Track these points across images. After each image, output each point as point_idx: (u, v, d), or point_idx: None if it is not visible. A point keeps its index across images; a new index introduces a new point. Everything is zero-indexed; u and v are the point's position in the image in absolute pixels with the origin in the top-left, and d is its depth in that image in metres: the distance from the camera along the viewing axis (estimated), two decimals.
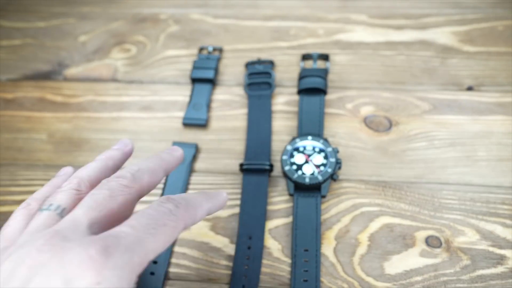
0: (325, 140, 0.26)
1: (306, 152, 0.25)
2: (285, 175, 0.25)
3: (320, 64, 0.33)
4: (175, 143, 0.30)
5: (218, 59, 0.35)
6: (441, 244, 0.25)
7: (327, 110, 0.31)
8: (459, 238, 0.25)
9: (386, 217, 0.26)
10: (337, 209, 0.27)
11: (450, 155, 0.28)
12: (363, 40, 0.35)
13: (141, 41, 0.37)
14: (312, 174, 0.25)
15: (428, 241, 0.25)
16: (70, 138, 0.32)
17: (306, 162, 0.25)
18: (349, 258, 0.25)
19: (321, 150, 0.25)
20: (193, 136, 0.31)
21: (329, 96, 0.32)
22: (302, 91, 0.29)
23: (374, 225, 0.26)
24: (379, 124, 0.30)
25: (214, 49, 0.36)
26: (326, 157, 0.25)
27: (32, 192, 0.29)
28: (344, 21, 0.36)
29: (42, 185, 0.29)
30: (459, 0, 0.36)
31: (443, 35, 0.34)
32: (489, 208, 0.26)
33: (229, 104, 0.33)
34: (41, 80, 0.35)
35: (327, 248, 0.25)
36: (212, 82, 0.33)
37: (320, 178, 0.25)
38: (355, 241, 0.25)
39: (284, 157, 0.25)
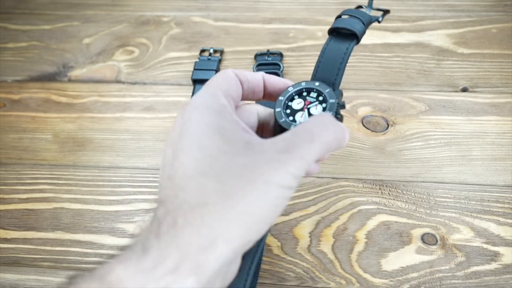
0: (334, 90, 0.20)
1: (308, 98, 0.20)
2: (274, 116, 0.19)
3: (375, 13, 0.23)
4: None
5: (219, 61, 0.35)
6: (436, 241, 0.25)
7: None
8: (454, 235, 0.26)
9: (383, 215, 0.27)
10: (335, 207, 0.27)
11: (446, 155, 0.29)
12: (361, 42, 0.35)
13: (144, 43, 0.38)
14: None
15: (424, 238, 0.26)
16: (74, 138, 0.32)
17: (302, 109, 0.19)
18: (346, 255, 0.25)
19: (324, 101, 0.19)
20: None
21: None
22: (333, 32, 0.21)
23: (371, 223, 0.26)
24: (376, 124, 0.31)
25: (215, 51, 0.36)
26: (325, 110, 0.19)
27: (37, 191, 0.30)
28: None
29: (47, 183, 0.30)
30: (454, 4, 0.37)
31: (438, 38, 0.35)
32: (483, 206, 0.27)
33: None
34: (46, 82, 0.36)
35: (325, 246, 0.26)
36: None
37: None
38: (352, 239, 0.26)
39: (281, 98, 0.20)
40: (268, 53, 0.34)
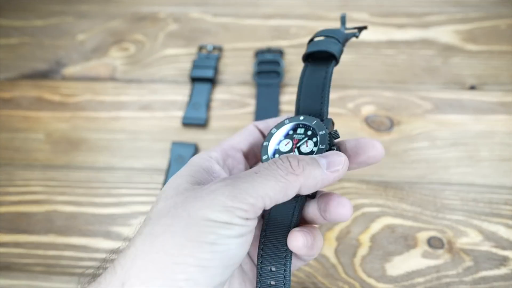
0: (322, 120, 0.18)
1: (296, 136, 0.18)
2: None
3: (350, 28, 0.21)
4: (174, 143, 0.30)
5: (218, 58, 0.34)
6: (443, 245, 0.25)
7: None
8: (462, 239, 0.25)
9: (387, 218, 0.26)
10: None
11: (452, 155, 0.28)
12: (364, 39, 0.34)
13: (140, 40, 0.37)
14: None
15: (430, 242, 0.25)
16: (68, 138, 0.31)
17: (291, 151, 0.17)
18: (350, 259, 0.25)
19: (313, 135, 0.17)
20: (192, 135, 0.31)
21: (330, 96, 0.31)
22: (308, 58, 0.19)
23: (375, 226, 0.26)
24: (380, 124, 0.30)
25: (214, 48, 0.35)
26: (317, 144, 0.17)
27: (29, 193, 0.29)
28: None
29: (40, 185, 0.30)
30: None
31: (445, 34, 0.34)
32: (492, 208, 0.26)
33: (229, 104, 0.32)
34: (38, 79, 0.35)
35: (328, 249, 0.25)
36: (211, 81, 0.33)
37: None
38: (356, 242, 0.25)
39: (265, 143, 0.18)
40: (269, 51, 0.34)
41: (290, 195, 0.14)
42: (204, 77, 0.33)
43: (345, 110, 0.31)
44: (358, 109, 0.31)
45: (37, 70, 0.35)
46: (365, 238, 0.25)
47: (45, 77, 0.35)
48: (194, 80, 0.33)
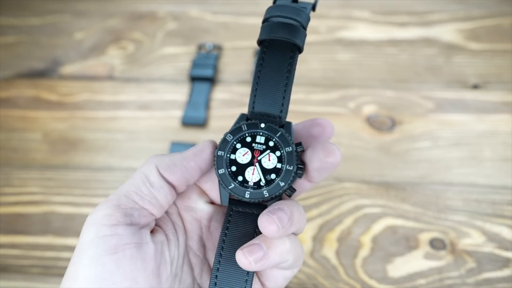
0: (282, 125, 0.16)
1: (256, 146, 0.16)
2: (219, 180, 0.16)
3: None
4: (173, 143, 0.30)
5: (217, 57, 0.34)
6: (445, 246, 0.24)
7: (328, 109, 0.30)
8: (464, 240, 0.25)
9: (389, 219, 0.26)
10: (338, 211, 0.26)
11: (455, 155, 0.28)
12: (366, 37, 0.34)
13: (139, 38, 0.36)
14: (257, 184, 0.16)
15: (432, 243, 0.25)
16: (65, 138, 0.31)
17: (250, 164, 0.16)
18: (351, 261, 0.24)
19: (276, 147, 0.16)
20: (191, 135, 0.31)
21: (331, 95, 0.31)
22: (264, 42, 0.16)
23: (377, 227, 0.25)
24: (381, 124, 0.30)
25: (213, 47, 0.35)
26: (281, 160, 0.16)
27: (26, 193, 0.28)
28: (346, 18, 0.35)
29: (37, 185, 0.29)
30: None
31: (447, 32, 0.34)
32: (494, 209, 0.26)
33: (229, 103, 0.32)
34: (36, 78, 0.34)
35: (329, 250, 0.25)
36: (211, 80, 0.33)
37: (266, 194, 0.16)
38: (357, 243, 0.25)
39: (220, 153, 0.16)
40: None
41: None
42: (204, 76, 0.32)
43: (346, 110, 0.31)
44: (359, 108, 0.30)
45: (34, 69, 0.35)
46: (366, 239, 0.25)
47: (42, 76, 0.34)
48: (194, 79, 0.33)
